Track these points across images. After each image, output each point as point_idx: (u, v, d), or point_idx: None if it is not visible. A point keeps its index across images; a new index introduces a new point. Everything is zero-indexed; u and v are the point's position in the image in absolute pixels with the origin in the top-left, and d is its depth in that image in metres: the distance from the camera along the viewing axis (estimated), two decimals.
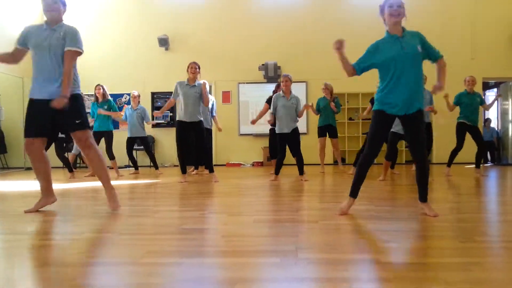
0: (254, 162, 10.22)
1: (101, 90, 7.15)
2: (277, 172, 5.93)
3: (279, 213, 3.26)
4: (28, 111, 3.30)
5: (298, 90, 9.24)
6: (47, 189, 3.43)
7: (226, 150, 10.42)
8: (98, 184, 5.75)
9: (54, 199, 3.50)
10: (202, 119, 5.84)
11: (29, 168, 9.70)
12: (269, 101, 6.87)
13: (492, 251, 2.10)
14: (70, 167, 7.15)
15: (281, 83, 5.90)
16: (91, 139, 3.40)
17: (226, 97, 10.47)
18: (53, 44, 3.25)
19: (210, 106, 7.31)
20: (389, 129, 3.17)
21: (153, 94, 10.49)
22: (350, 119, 10.33)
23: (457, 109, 6.40)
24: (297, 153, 5.84)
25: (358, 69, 3.12)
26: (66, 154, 7.74)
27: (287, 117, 5.78)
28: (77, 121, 3.31)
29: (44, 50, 3.24)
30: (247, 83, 10.38)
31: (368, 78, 10.27)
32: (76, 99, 3.32)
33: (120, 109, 9.94)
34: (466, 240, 2.25)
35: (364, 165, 3.12)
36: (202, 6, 10.49)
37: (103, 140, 7.16)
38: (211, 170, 6.04)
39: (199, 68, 5.87)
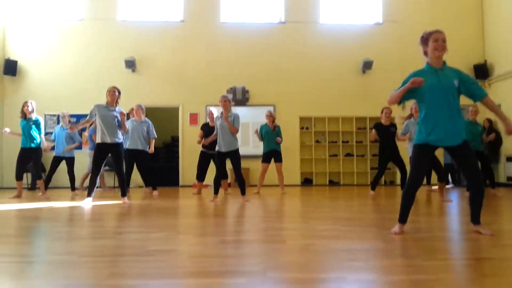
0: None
1: (29, 106, 6.96)
2: (216, 191, 6.02)
3: (247, 233, 3.24)
4: None
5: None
6: None
7: (192, 171, 10.27)
8: (56, 204, 5.56)
9: None
10: (120, 141, 5.86)
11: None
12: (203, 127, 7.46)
13: (453, 268, 2.16)
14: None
15: (220, 103, 6.06)
16: None
17: (193, 119, 10.44)
18: None
19: (145, 129, 7.33)
20: (431, 158, 3.21)
21: (128, 114, 10.33)
22: (317, 141, 10.50)
23: None
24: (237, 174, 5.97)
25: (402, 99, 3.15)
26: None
27: (224, 137, 5.94)
28: None
29: None
30: (215, 105, 10.40)
31: (332, 103, 10.51)
32: None
33: (84, 129, 9.69)
34: (428, 258, 2.30)
35: (409, 195, 3.15)
36: (169, 28, 10.53)
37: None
38: (123, 194, 5.91)
39: (119, 92, 5.97)
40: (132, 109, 7.73)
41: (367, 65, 10.18)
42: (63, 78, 10.41)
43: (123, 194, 5.88)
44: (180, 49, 10.49)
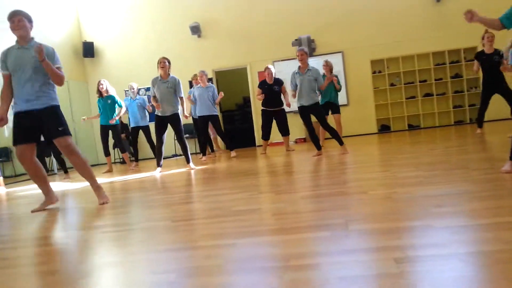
0: (296, 139, 10.19)
1: (102, 85, 7.34)
2: (317, 147, 5.98)
3: (326, 187, 3.26)
4: (15, 123, 3.60)
5: (335, 61, 9.08)
6: (47, 191, 3.80)
7: None
8: (144, 174, 6.00)
9: (57, 198, 3.90)
10: (177, 112, 5.99)
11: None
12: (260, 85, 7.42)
13: None
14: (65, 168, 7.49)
15: (297, 57, 5.97)
16: (74, 145, 3.68)
17: (262, 77, 10.41)
18: (30, 62, 3.50)
19: (210, 94, 7.47)
20: None
21: (190, 82, 10.63)
22: (391, 84, 10.02)
23: None
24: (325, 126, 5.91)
25: (507, 23, 2.97)
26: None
27: (306, 91, 5.86)
28: (59, 128, 3.60)
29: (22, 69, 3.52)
30: (281, 60, 10.28)
31: (408, 41, 9.89)
32: (57, 109, 3.66)
33: None
34: None
35: None
36: None
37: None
38: (188, 161, 6.13)
39: (169, 62, 5.99)
40: (195, 76, 7.92)
41: None
42: (136, 54, 10.89)
43: (188, 161, 6.14)
44: (242, 7, 10.39)
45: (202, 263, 1.73)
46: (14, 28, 3.50)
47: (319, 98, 7.10)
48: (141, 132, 7.95)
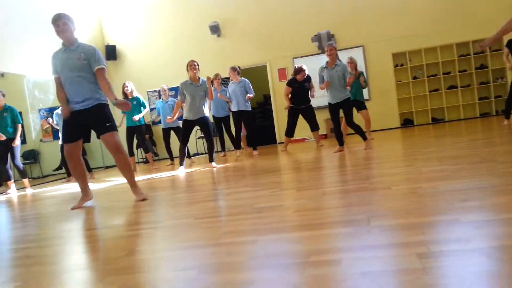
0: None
1: (128, 87, 7.46)
2: (340, 143, 5.93)
3: (348, 183, 3.24)
4: (65, 122, 3.77)
5: (355, 55, 8.97)
6: (85, 188, 3.95)
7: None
8: (169, 174, 6.08)
9: (92, 196, 4.05)
10: (206, 114, 6.04)
11: (100, 168, 10.40)
12: (289, 83, 7.34)
13: None
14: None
15: (326, 52, 5.93)
16: (120, 142, 3.81)
17: (282, 74, 10.42)
18: (76, 64, 3.66)
19: (243, 89, 7.41)
20: None
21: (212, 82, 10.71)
22: (414, 77, 9.85)
23: None
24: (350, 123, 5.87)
25: None
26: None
27: (337, 87, 5.82)
28: (107, 124, 3.73)
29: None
30: (301, 56, 10.23)
31: (431, 32, 9.69)
32: (104, 107, 3.82)
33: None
34: None
35: None
36: None
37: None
38: (211, 160, 6.23)
39: (198, 65, 6.02)
40: (216, 75, 7.97)
41: None
42: (156, 55, 11.03)
43: (211, 159, 6.22)
44: (260, 5, 10.39)
45: (224, 260, 1.75)
46: (59, 32, 3.62)
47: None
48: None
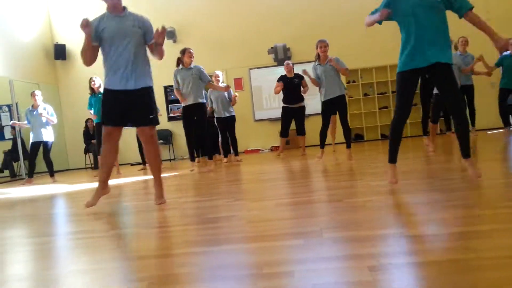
0: (272, 146, 10.22)
1: (94, 82, 7.17)
2: (323, 146, 5.95)
3: (302, 195, 3.27)
4: (106, 101, 3.31)
5: (309, 69, 9.15)
6: (105, 181, 3.47)
7: (243, 137, 10.42)
8: (122, 181, 5.88)
9: (109, 190, 3.55)
10: (203, 101, 6.09)
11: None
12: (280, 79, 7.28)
13: None
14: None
15: (318, 49, 5.89)
16: (156, 136, 3.43)
17: (238, 84, 10.45)
18: (131, 34, 3.25)
19: (226, 94, 7.38)
20: (414, 86, 3.10)
21: (165, 87, 10.55)
22: (365, 94, 10.21)
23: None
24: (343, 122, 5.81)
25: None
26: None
27: (331, 82, 5.77)
28: (150, 116, 3.34)
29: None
30: (257, 68, 10.33)
31: (381, 52, 10.06)
32: (152, 92, 3.39)
33: None
34: (488, 207, 2.23)
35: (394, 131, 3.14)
36: None
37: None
38: (210, 158, 6.28)
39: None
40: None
41: None
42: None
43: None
44: (218, 15, 10.40)
45: (175, 271, 1.70)
46: None
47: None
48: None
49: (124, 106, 3.28)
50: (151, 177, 3.60)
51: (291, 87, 7.19)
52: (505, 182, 2.99)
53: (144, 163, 7.97)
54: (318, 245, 1.85)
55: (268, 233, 2.17)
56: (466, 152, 3.02)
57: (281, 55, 10.00)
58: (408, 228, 2.00)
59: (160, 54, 3.37)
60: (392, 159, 3.20)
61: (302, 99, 7.34)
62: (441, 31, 2.92)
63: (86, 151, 10.32)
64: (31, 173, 7.36)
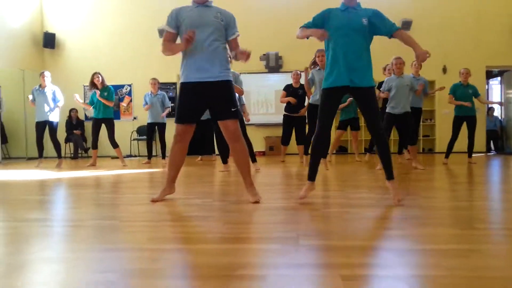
0: (256, 152, 10.18)
1: (99, 77, 7.11)
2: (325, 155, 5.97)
3: (281, 201, 3.26)
4: (182, 96, 3.14)
5: (301, 80, 9.21)
6: (173, 180, 3.35)
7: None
8: (101, 173, 5.80)
9: (174, 189, 3.42)
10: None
11: (31, 158, 9.73)
12: (285, 88, 7.24)
13: (491, 238, 2.10)
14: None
15: (317, 58, 5.94)
16: (240, 131, 3.20)
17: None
18: (214, 24, 3.17)
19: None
20: (337, 104, 3.08)
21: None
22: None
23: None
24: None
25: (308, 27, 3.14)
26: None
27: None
28: (232, 109, 3.15)
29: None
30: (248, 73, 10.33)
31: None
32: (232, 86, 3.21)
33: (121, 99, 10.04)
34: (465, 227, 2.26)
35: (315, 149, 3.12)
36: None
37: (104, 128, 7.19)
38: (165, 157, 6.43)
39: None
40: (153, 79, 7.75)
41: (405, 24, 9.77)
42: (101, 49, 10.61)
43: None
44: None
45: (146, 266, 1.67)
46: None
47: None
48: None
49: (200, 101, 3.15)
50: (154, 170, 3.54)
51: (294, 97, 7.16)
52: (482, 205, 3.03)
53: (150, 156, 7.80)
54: (294, 251, 1.84)
55: (244, 236, 2.15)
56: (388, 173, 3.02)
57: (272, 63, 10.05)
58: (383, 241, 2.01)
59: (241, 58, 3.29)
60: (312, 176, 3.15)
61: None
62: (364, 55, 2.97)
63: (67, 140, 10.17)
64: (40, 154, 7.40)
